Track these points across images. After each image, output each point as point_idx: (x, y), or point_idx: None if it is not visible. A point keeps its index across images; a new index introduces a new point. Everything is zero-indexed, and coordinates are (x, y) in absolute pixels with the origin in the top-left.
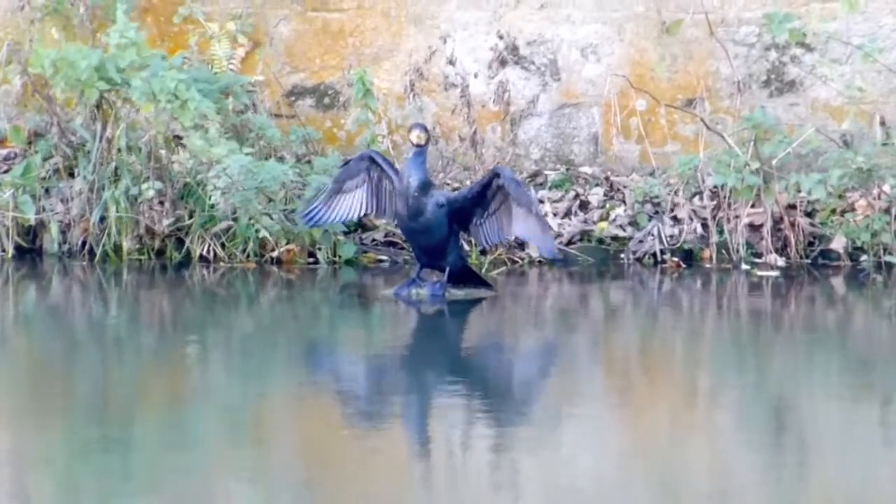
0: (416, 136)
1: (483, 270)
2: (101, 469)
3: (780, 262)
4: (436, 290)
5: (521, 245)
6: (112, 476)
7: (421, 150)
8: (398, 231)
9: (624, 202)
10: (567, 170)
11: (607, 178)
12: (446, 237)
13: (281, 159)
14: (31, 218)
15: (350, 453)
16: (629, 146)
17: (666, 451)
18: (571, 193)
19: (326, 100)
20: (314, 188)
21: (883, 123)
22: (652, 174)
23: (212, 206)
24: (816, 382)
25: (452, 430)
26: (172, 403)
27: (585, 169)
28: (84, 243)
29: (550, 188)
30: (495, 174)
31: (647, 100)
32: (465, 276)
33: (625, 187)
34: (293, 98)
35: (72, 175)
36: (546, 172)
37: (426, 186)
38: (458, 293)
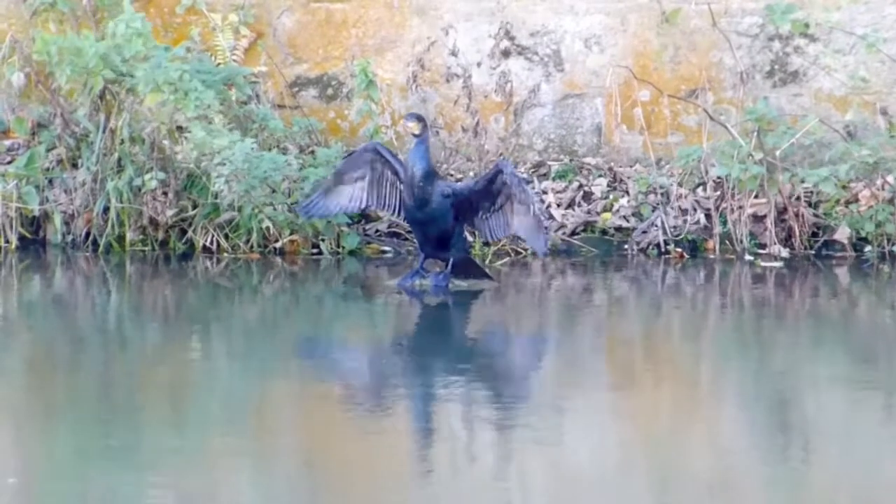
0: (409, 127)
1: (486, 261)
2: (104, 456)
3: (784, 252)
4: (439, 281)
5: None
6: (112, 465)
7: (421, 139)
8: (402, 222)
9: (627, 193)
10: (570, 160)
11: (610, 169)
12: (451, 228)
13: (284, 150)
14: (34, 209)
15: (355, 441)
16: (632, 137)
17: (674, 439)
18: (575, 184)
19: (330, 91)
20: (312, 182)
21: (885, 113)
22: (656, 165)
23: (215, 196)
24: (827, 375)
25: (458, 416)
26: (175, 396)
27: (589, 160)
28: (88, 234)
29: (554, 179)
30: (499, 170)
31: (651, 90)
32: (468, 267)
33: (628, 178)
34: (296, 89)
35: (75, 166)
36: (549, 163)
37: (430, 175)
38: (462, 284)
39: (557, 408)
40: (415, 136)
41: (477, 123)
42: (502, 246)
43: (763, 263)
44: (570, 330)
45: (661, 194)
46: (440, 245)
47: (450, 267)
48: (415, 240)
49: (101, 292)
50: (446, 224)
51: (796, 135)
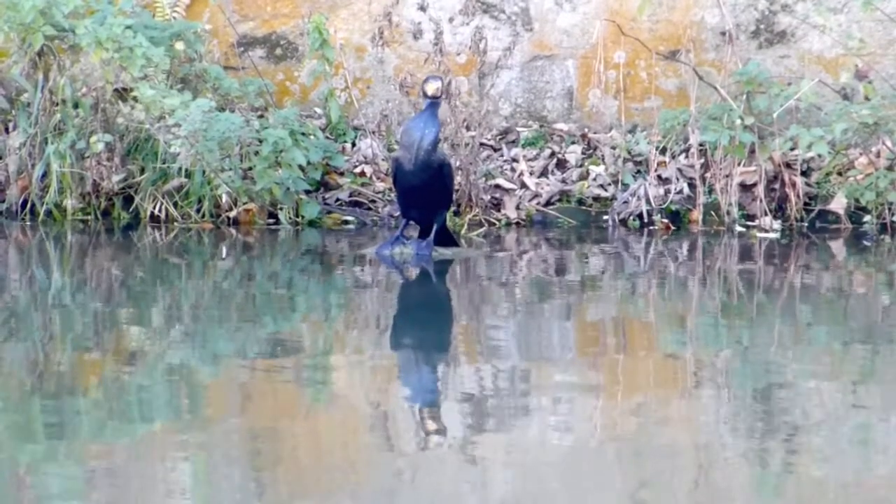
0: (433, 89)
1: (462, 232)
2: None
3: (776, 224)
4: (422, 250)
5: (498, 206)
6: (48, 453)
7: (436, 102)
8: (363, 190)
9: (603, 160)
10: (540, 126)
11: (584, 136)
12: (444, 195)
13: (232, 112)
14: None
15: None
16: (606, 101)
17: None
18: (547, 151)
19: (279, 51)
20: (271, 143)
21: (864, 77)
22: (632, 131)
23: (164, 161)
24: (846, 359)
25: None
26: (112, 383)
27: (560, 126)
28: (25, 202)
29: (524, 146)
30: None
31: (627, 52)
32: (445, 236)
33: (604, 145)
34: (241, 49)
35: (7, 129)
36: (518, 129)
37: (437, 142)
38: (447, 252)
39: (541, 387)
40: (434, 98)
41: (448, 83)
42: (475, 216)
43: (759, 235)
44: (564, 306)
45: (640, 162)
46: (429, 212)
47: (433, 234)
48: (397, 204)
49: (39, 266)
50: (441, 191)
51: (792, 97)
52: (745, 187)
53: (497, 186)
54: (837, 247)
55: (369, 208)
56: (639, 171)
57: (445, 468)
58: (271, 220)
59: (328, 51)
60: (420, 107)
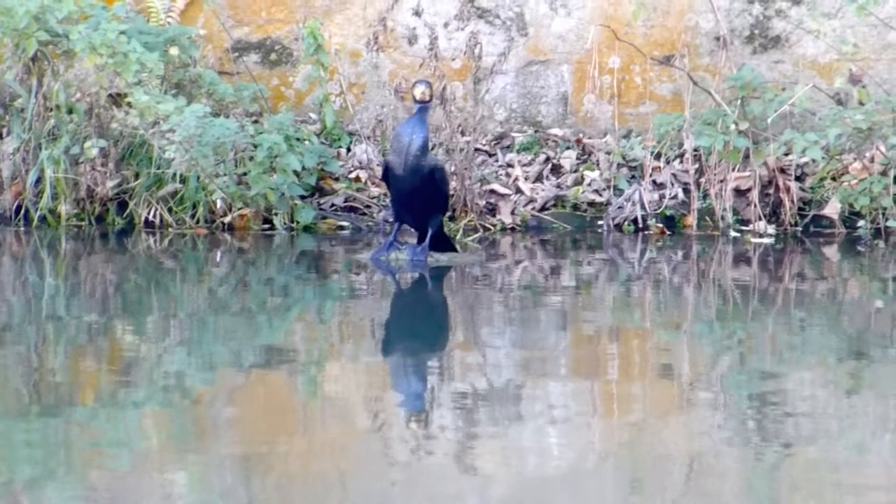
0: (420, 93)
1: (457, 237)
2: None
3: (770, 229)
4: (417, 255)
5: (493, 212)
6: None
7: (425, 106)
8: (359, 195)
9: (598, 166)
10: (535, 132)
11: (579, 141)
12: (436, 199)
13: (227, 118)
14: None
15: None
16: (601, 106)
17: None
18: (542, 157)
19: (273, 56)
20: (266, 149)
21: (859, 81)
22: (626, 136)
23: (158, 167)
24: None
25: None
26: (109, 393)
27: (555, 131)
28: (19, 208)
29: (518, 151)
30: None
31: (622, 57)
32: (441, 241)
33: (598, 150)
34: (237, 54)
35: (0, 135)
36: (513, 135)
37: (427, 146)
38: (443, 258)
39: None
40: (422, 102)
41: (443, 89)
42: (470, 221)
43: (753, 240)
44: (565, 315)
45: (635, 167)
46: (422, 217)
47: (428, 240)
48: (391, 208)
49: (33, 272)
50: (434, 196)
51: (786, 102)
52: (740, 192)
53: (492, 192)
54: (831, 252)
55: (364, 213)
56: (633, 177)
57: (445, 479)
58: (266, 226)
59: (323, 56)
60: (413, 112)
